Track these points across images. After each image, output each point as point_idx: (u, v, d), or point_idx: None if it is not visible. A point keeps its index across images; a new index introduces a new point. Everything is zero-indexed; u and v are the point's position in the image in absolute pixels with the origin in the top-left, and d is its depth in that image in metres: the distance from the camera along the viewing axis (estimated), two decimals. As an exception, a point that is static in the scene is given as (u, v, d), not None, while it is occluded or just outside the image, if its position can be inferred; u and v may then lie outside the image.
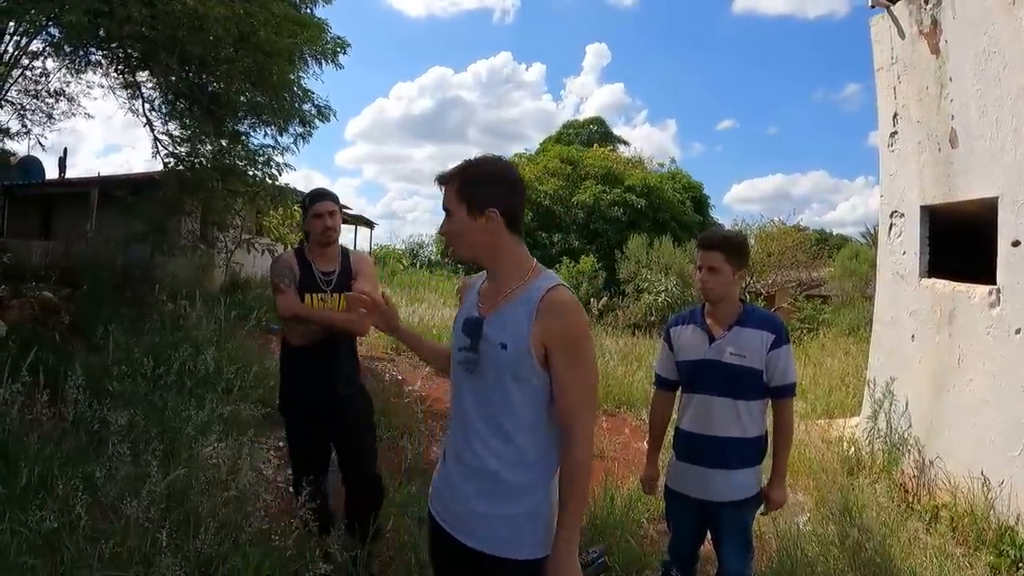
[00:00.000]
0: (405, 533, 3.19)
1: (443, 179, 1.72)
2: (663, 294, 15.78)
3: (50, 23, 7.20)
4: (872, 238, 24.74)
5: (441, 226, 1.75)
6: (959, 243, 5.04)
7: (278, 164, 8.91)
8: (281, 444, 4.75)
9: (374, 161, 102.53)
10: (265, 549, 2.73)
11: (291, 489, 3.68)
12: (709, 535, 2.68)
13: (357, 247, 21.72)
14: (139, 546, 2.53)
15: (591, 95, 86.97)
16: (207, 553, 2.61)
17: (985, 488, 3.96)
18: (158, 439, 3.39)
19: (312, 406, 2.92)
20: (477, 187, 1.67)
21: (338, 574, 2.75)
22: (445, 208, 1.72)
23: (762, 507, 2.62)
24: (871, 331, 5.99)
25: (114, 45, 8.06)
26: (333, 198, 2.99)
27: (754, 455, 2.54)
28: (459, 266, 23.97)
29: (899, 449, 4.88)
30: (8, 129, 9.52)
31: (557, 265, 18.13)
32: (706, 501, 2.55)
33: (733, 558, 2.56)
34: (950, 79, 4.74)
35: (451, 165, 1.73)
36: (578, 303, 1.71)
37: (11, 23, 7.08)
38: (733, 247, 2.56)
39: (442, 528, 1.75)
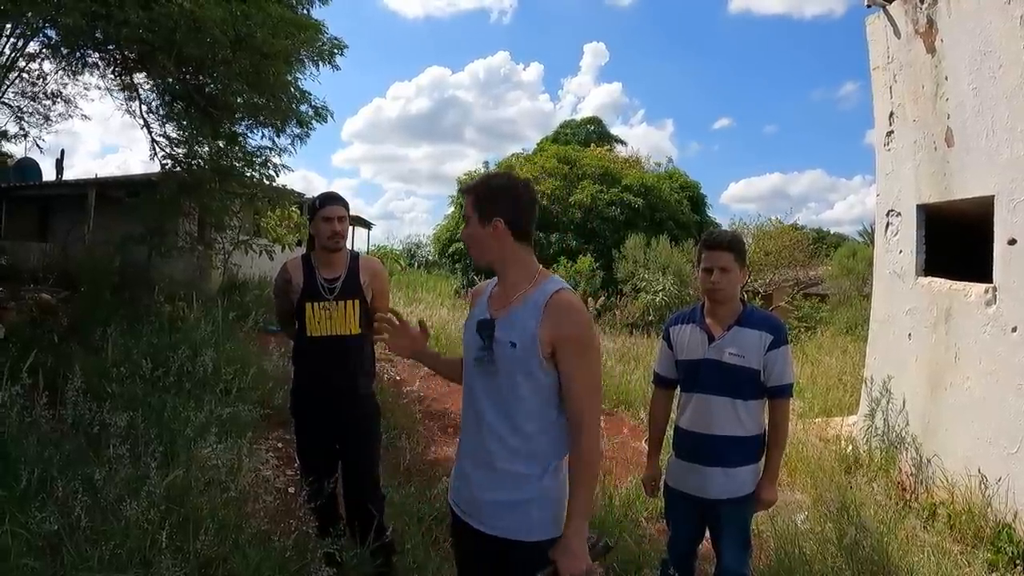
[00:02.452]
0: (406, 536, 3.20)
1: (466, 190, 1.94)
2: (661, 293, 15.76)
3: (47, 25, 7.20)
4: (869, 237, 24.79)
5: (463, 230, 1.94)
6: (955, 242, 5.06)
7: (275, 165, 8.91)
8: (280, 445, 4.75)
9: (371, 161, 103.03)
10: (265, 550, 2.74)
11: (290, 490, 3.67)
12: (708, 533, 2.70)
13: (354, 248, 21.69)
14: (139, 547, 2.54)
15: (588, 95, 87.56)
16: (207, 554, 2.62)
17: (982, 486, 3.97)
18: (157, 441, 3.39)
19: (326, 404, 2.86)
20: (487, 199, 1.86)
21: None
22: (464, 216, 1.92)
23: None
24: (868, 329, 6.00)
25: (111, 47, 8.06)
26: (343, 203, 2.92)
27: (752, 453, 2.55)
28: (456, 266, 23.98)
29: (896, 447, 4.89)
30: (5, 131, 9.54)
31: (555, 265, 18.04)
32: (705, 499, 2.56)
33: (731, 556, 2.57)
34: (946, 78, 4.75)
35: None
36: (582, 304, 1.89)
37: (8, 25, 7.09)
38: (741, 246, 2.61)
39: (461, 518, 1.91)
